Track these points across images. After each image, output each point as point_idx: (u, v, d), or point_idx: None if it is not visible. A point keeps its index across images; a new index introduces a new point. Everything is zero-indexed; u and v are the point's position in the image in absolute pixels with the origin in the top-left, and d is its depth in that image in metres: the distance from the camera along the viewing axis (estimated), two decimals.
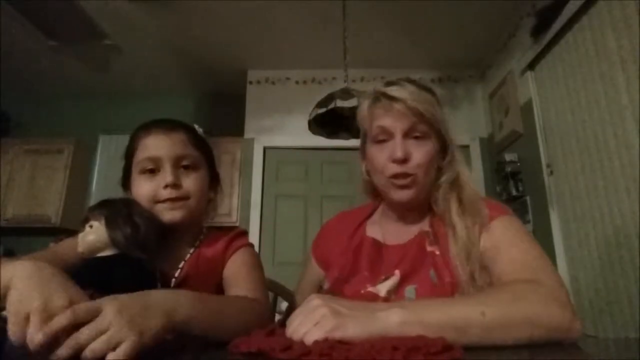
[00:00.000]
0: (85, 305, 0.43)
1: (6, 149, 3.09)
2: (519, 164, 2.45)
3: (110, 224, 0.66)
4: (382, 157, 0.75)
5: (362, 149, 0.85)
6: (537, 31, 2.19)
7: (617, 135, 1.64)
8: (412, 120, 0.73)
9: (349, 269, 0.79)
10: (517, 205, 2.48)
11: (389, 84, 0.77)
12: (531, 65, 2.32)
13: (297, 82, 3.08)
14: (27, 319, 0.40)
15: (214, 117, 3.38)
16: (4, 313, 0.49)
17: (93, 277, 0.62)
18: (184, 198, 0.74)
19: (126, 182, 0.79)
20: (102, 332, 0.41)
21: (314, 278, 0.91)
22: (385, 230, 0.84)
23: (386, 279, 0.73)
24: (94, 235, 0.66)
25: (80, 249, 0.66)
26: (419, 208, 0.81)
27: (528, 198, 2.37)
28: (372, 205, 0.93)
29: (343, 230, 0.89)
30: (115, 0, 2.35)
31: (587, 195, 1.84)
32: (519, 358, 0.45)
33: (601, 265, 1.74)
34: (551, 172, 2.15)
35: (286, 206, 2.92)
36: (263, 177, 2.97)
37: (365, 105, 0.80)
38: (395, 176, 0.74)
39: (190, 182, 0.75)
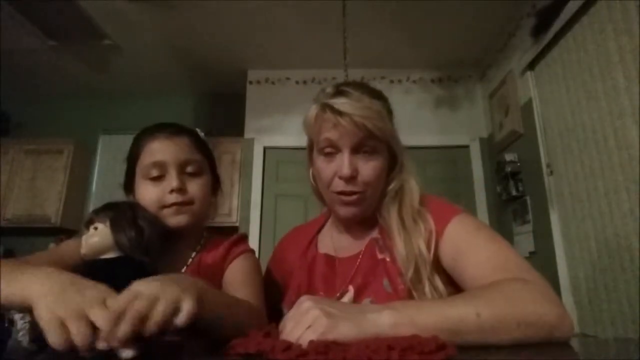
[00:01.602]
0: (127, 292, 0.42)
1: (6, 149, 3.09)
2: (519, 164, 2.45)
3: (115, 227, 0.67)
4: (329, 171, 0.73)
5: (309, 156, 0.82)
6: (537, 31, 2.19)
7: (617, 135, 1.64)
8: (359, 135, 0.69)
9: (304, 290, 0.78)
10: (517, 205, 2.49)
11: (337, 93, 0.72)
12: (531, 65, 2.32)
13: (297, 82, 3.08)
14: (63, 325, 0.39)
15: (214, 117, 3.38)
16: (12, 312, 0.49)
17: (96, 279, 0.62)
18: (189, 203, 0.74)
19: (128, 185, 0.79)
20: (154, 302, 0.41)
21: (272, 304, 0.88)
22: (336, 242, 0.82)
23: (341, 296, 0.72)
24: (98, 237, 0.66)
25: (83, 250, 0.66)
26: (367, 218, 0.78)
27: (528, 198, 2.37)
28: (323, 216, 0.91)
29: (296, 249, 0.87)
30: (115, 0, 2.36)
31: (587, 195, 1.84)
32: (515, 358, 0.45)
33: (601, 265, 1.74)
34: (551, 172, 2.15)
35: (286, 206, 2.92)
36: (263, 177, 2.97)
37: (312, 113, 0.75)
38: (342, 192, 0.72)
39: (195, 187, 0.76)
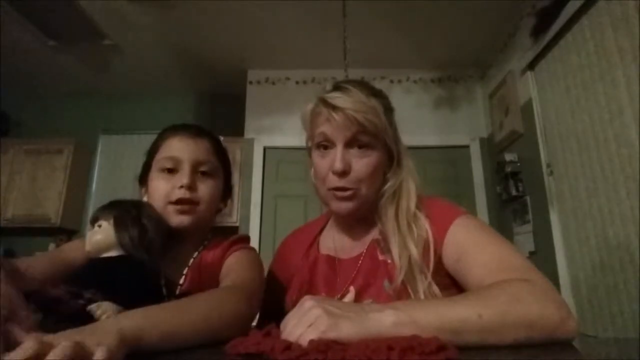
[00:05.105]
0: (35, 339, 0.40)
1: (6, 149, 3.09)
2: (519, 164, 2.45)
3: (118, 225, 0.67)
4: (324, 166, 0.73)
5: (308, 153, 0.81)
6: (537, 31, 2.19)
7: (617, 135, 1.64)
8: (353, 130, 0.69)
9: (306, 290, 0.78)
10: (517, 205, 2.48)
11: (334, 88, 0.73)
12: (531, 65, 2.32)
13: (297, 82, 3.08)
14: None
15: (214, 117, 3.38)
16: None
17: (97, 277, 0.63)
18: (195, 202, 0.75)
19: (143, 178, 0.80)
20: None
21: (274, 305, 0.83)
22: (337, 242, 0.82)
23: (342, 297, 0.72)
24: (101, 234, 0.67)
25: (87, 247, 0.67)
26: (366, 217, 0.77)
27: (528, 198, 2.37)
28: (324, 217, 0.91)
29: (298, 250, 0.87)
30: (115, 0, 2.36)
31: (587, 195, 1.84)
32: (516, 358, 0.45)
33: (601, 265, 1.74)
34: (551, 172, 2.15)
35: (286, 206, 2.92)
36: (263, 177, 2.98)
37: (309, 107, 0.76)
38: (336, 188, 0.72)
39: (205, 188, 0.76)
